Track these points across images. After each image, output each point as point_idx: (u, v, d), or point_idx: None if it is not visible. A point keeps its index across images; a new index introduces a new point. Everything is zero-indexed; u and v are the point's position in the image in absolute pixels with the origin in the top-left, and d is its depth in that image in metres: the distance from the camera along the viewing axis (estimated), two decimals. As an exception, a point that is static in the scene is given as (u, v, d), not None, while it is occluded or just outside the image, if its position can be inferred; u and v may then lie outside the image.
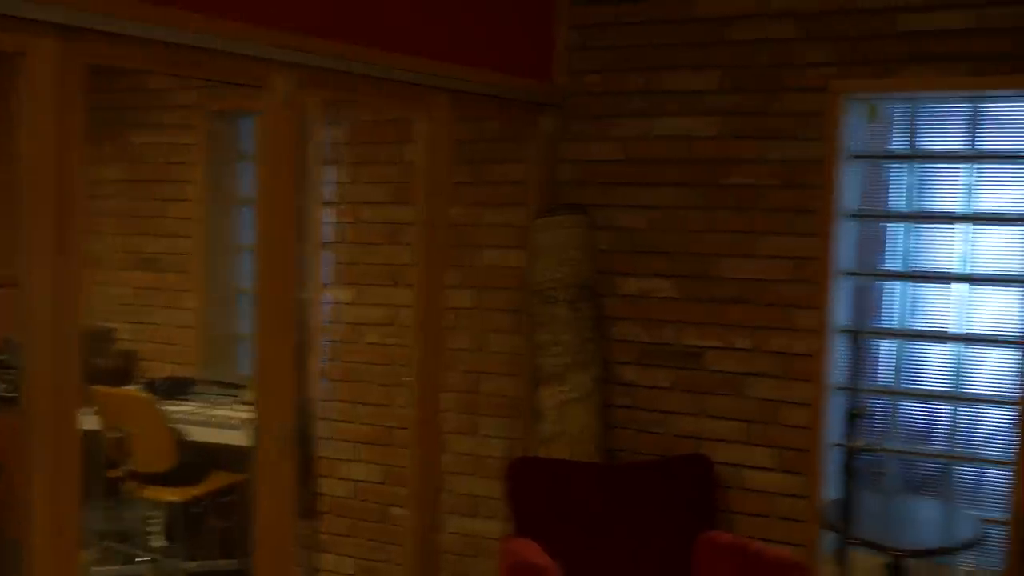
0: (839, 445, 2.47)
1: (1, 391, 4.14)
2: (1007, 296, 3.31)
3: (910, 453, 3.49)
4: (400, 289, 3.90)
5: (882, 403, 3.52)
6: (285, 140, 2.62)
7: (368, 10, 2.84)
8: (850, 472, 2.42)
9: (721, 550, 3.25)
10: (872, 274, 3.53)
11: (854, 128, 3.50)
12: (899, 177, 3.48)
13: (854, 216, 3.51)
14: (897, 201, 3.48)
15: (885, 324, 3.53)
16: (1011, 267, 3.29)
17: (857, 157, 3.49)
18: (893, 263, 3.51)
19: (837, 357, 3.51)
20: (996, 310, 3.35)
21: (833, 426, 3.52)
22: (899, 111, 3.46)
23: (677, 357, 3.59)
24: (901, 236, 3.49)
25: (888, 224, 3.50)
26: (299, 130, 2.75)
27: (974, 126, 3.36)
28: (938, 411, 3.48)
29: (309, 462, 4.10)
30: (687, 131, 3.54)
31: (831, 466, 3.42)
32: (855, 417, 2.46)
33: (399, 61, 2.93)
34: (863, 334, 3.54)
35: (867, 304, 3.57)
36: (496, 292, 3.83)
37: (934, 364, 3.48)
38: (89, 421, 3.95)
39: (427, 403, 3.27)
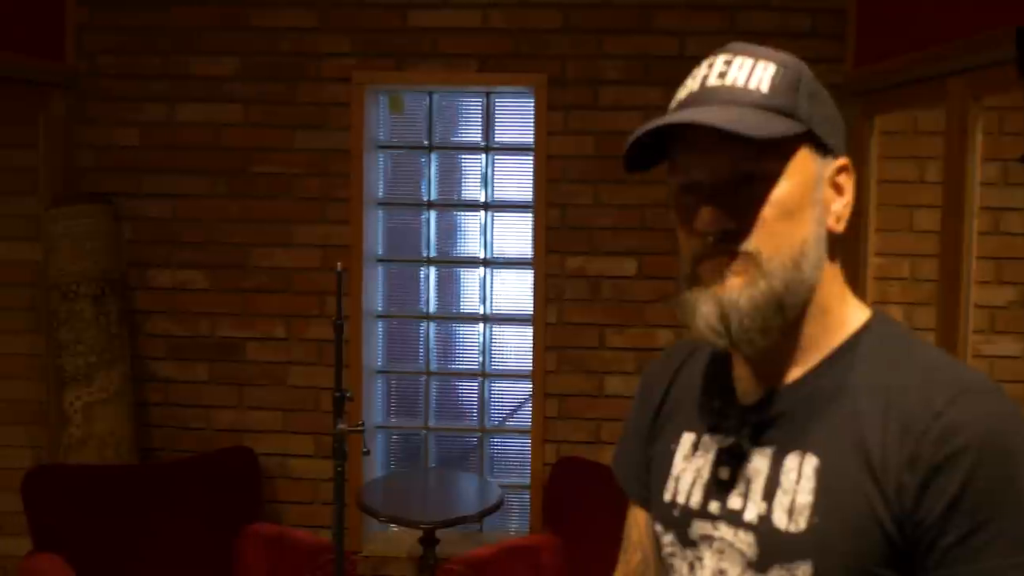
0: (352, 430, 2.95)
1: None
2: (521, 278, 4.00)
3: (440, 429, 4.17)
4: None
5: (422, 384, 4.16)
6: None
7: None
8: (342, 454, 2.91)
9: (262, 541, 3.54)
10: (403, 260, 4.10)
11: (381, 118, 3.97)
12: (428, 166, 4.08)
13: (383, 204, 4.06)
14: (427, 190, 4.10)
15: (423, 308, 4.15)
16: (523, 251, 3.95)
17: (383, 147, 4.01)
18: (428, 249, 4.13)
19: (373, 341, 4.08)
20: (516, 291, 4.06)
21: (374, 409, 4.10)
22: (425, 103, 3.99)
23: (214, 350, 3.86)
24: (433, 223, 4.11)
25: (423, 212, 4.12)
26: None
27: (488, 119, 3.96)
28: (473, 388, 4.18)
29: None
30: (212, 118, 3.77)
31: (373, 449, 3.99)
32: (342, 400, 2.93)
33: None
34: (397, 318, 4.14)
35: (406, 289, 4.18)
36: (8, 289, 3.83)
37: (466, 343, 4.17)
38: None
39: None
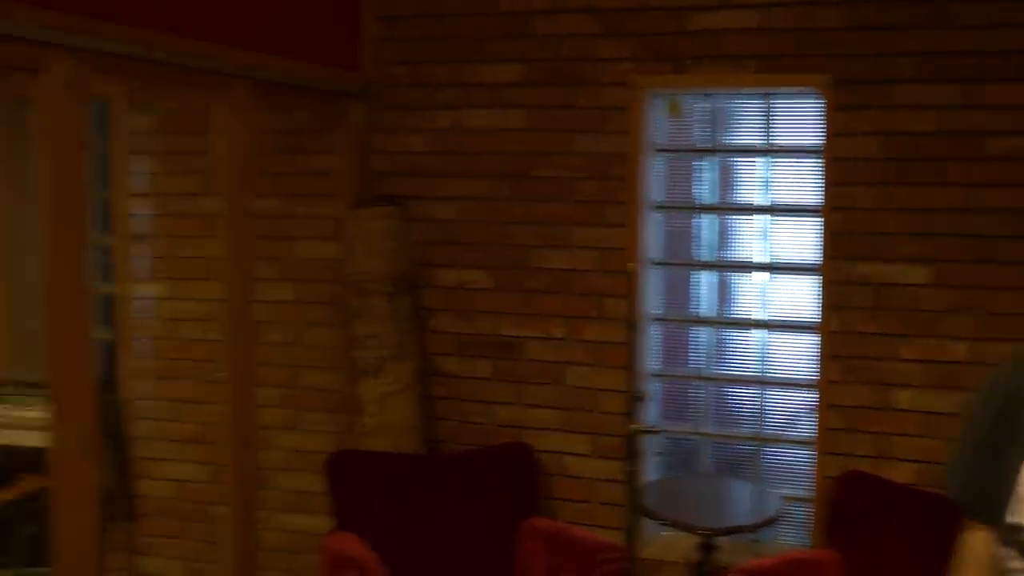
0: (646, 431, 3.23)
1: None
2: (804, 284, 4.17)
3: (717, 436, 4.43)
4: (214, 283, 4.64)
5: (695, 388, 4.45)
6: (69, 128, 2.92)
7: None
8: (635, 454, 3.23)
9: (543, 537, 3.99)
10: (679, 263, 4.35)
11: (658, 122, 4.25)
12: (704, 170, 4.29)
13: (659, 208, 4.33)
14: (703, 193, 4.31)
15: (696, 312, 4.39)
16: (806, 256, 4.13)
17: (661, 150, 4.30)
18: (702, 253, 4.34)
19: (649, 345, 4.40)
20: (795, 297, 4.22)
21: (648, 412, 4.43)
22: (701, 106, 4.25)
23: (496, 347, 4.36)
24: (708, 227, 4.33)
25: (696, 215, 4.34)
26: (85, 118, 2.99)
27: (768, 121, 4.17)
28: (747, 395, 4.39)
29: (126, 463, 4.85)
30: (496, 123, 4.25)
31: (646, 451, 4.34)
32: (638, 400, 3.25)
33: (195, 47, 3.40)
34: (673, 322, 4.45)
35: (678, 293, 4.48)
36: (314, 285, 4.52)
37: (742, 350, 4.38)
38: None
39: (241, 398, 3.84)
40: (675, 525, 3.87)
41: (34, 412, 4.72)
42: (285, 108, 4.42)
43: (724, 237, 4.35)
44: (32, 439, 4.60)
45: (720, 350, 4.40)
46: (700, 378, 4.38)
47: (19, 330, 5.31)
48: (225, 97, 3.69)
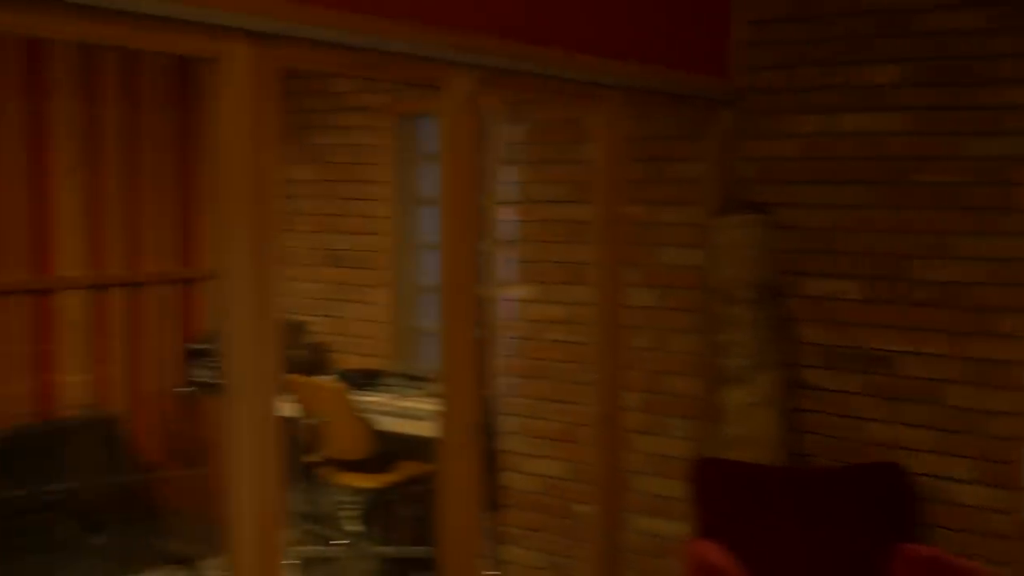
0: None
1: (211, 378, 5.44)
2: None
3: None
4: (580, 287, 4.75)
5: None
6: (465, 140, 3.24)
7: (544, 10, 3.48)
8: None
9: (920, 564, 3.79)
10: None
11: None
12: None
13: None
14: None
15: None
16: None
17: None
18: None
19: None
20: None
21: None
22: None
23: (865, 361, 4.18)
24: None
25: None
26: (478, 130, 3.33)
27: None
28: None
29: (493, 456, 5.08)
30: (872, 127, 4.07)
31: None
32: None
33: (575, 60, 3.58)
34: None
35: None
36: (677, 291, 4.55)
37: None
38: (287, 408, 5.14)
39: (608, 401, 3.99)
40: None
41: (413, 403, 5.09)
42: (652, 116, 4.47)
43: None
44: (413, 428, 4.96)
45: None
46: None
47: (398, 327, 5.77)
48: (599, 107, 3.83)
